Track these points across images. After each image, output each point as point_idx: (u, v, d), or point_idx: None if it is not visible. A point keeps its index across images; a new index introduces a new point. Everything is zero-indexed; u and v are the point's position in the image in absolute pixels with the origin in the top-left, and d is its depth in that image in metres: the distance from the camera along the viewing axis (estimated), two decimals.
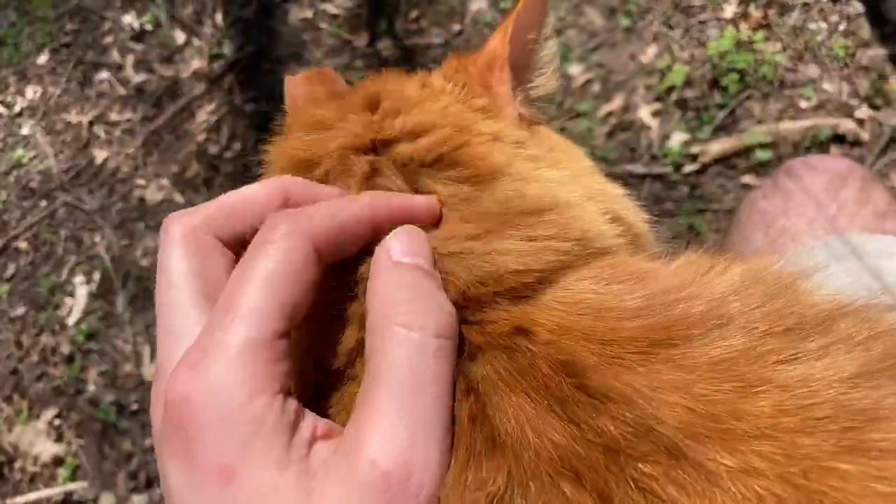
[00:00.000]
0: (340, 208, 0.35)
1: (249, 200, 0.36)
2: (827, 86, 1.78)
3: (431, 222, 0.37)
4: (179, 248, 0.34)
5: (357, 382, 0.33)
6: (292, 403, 0.30)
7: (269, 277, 0.31)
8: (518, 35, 0.48)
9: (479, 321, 0.34)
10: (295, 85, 0.54)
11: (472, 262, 0.35)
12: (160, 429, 0.31)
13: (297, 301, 0.31)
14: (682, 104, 1.86)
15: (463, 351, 0.33)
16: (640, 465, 0.27)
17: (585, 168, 0.48)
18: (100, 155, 2.28)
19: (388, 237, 0.34)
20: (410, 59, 2.11)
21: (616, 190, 0.48)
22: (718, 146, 1.78)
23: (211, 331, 0.30)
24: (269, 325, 0.30)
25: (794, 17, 1.87)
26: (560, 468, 0.28)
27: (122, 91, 2.35)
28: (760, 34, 1.86)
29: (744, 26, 1.88)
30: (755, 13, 1.89)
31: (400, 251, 0.33)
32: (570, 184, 0.43)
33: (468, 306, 0.34)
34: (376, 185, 0.40)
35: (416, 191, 0.39)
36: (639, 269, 0.35)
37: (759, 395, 0.28)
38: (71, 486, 1.87)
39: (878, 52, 1.78)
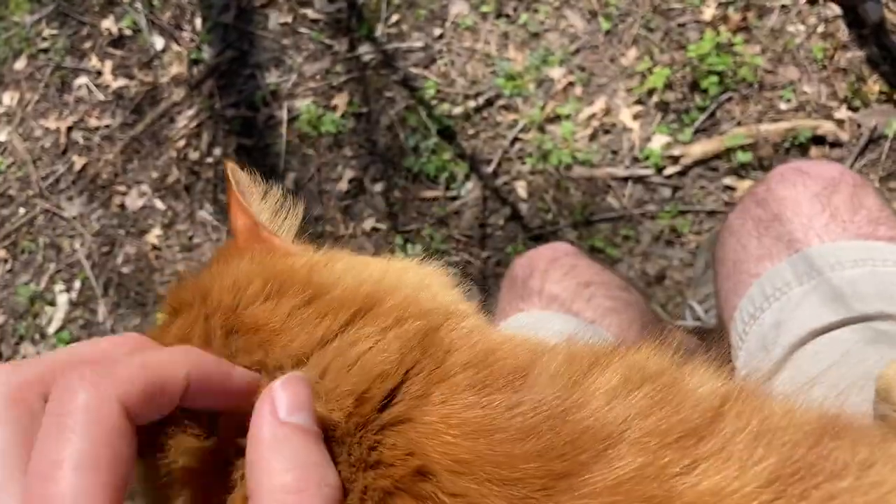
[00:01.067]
0: (150, 358, 0.31)
1: (109, 356, 0.33)
2: (806, 88, 1.79)
3: (247, 400, 0.33)
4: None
5: None
6: None
7: (83, 461, 0.27)
8: (246, 203, 0.50)
9: (376, 462, 0.32)
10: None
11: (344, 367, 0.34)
12: None
13: (119, 480, 0.28)
14: (662, 106, 1.87)
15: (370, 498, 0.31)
16: None
17: (386, 261, 0.48)
18: (79, 161, 2.26)
19: (274, 384, 0.31)
20: (391, 64, 2.11)
21: (426, 268, 0.48)
22: (700, 148, 1.78)
23: None
24: None
25: (772, 20, 1.88)
26: None
27: (101, 97, 2.33)
28: (740, 37, 1.87)
29: (723, 29, 1.89)
30: (734, 16, 1.90)
31: (287, 406, 0.30)
32: (384, 272, 0.44)
33: (354, 436, 0.33)
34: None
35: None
36: (516, 366, 0.34)
37: None
38: None
39: (856, 53, 1.80)
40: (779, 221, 0.65)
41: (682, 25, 1.95)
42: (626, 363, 0.34)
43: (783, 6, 1.89)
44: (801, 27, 1.86)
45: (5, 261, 2.20)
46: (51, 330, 2.08)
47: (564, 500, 0.29)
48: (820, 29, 1.85)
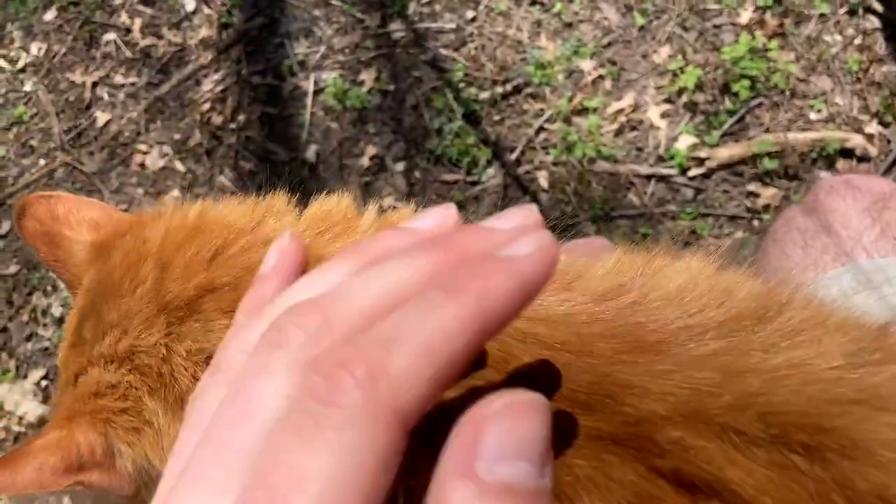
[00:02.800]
0: (439, 341, 0.22)
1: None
2: (838, 99, 1.77)
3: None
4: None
5: None
6: None
7: (334, 485, 0.20)
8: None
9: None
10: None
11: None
12: None
13: None
14: (691, 107, 1.85)
15: None
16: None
17: None
18: (102, 117, 2.26)
19: (482, 408, 0.21)
20: (421, 43, 2.09)
21: None
22: (726, 152, 1.77)
23: None
24: None
25: (810, 28, 1.86)
26: None
27: (128, 54, 2.32)
28: (775, 42, 1.85)
29: (759, 33, 1.88)
30: (771, 21, 1.88)
31: (495, 454, 0.20)
32: None
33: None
34: None
35: None
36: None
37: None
38: None
39: (891, 68, 1.78)
40: (826, 233, 0.65)
41: (717, 27, 1.93)
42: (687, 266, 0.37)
43: (822, 15, 1.87)
44: (839, 37, 1.84)
45: None
46: (62, 283, 2.09)
47: (647, 369, 0.30)
48: (857, 41, 1.83)
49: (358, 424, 0.21)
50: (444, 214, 0.28)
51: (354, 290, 0.24)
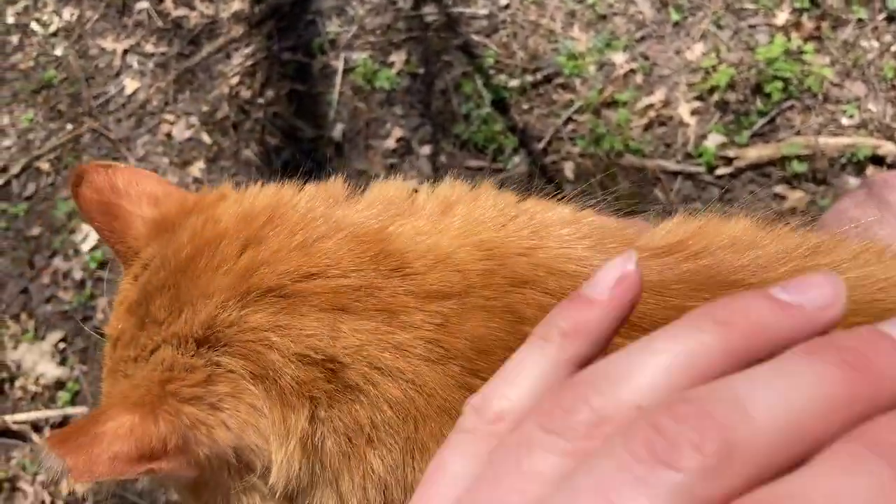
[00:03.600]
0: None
1: None
2: (871, 105, 1.76)
3: None
4: None
5: None
6: None
7: None
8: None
9: None
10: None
11: None
12: None
13: None
14: (722, 106, 1.84)
15: None
16: None
17: None
18: (131, 85, 2.27)
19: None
20: (453, 28, 2.09)
21: None
22: (755, 152, 1.76)
23: None
24: None
25: (846, 33, 1.85)
26: None
27: (159, 23, 2.33)
28: (811, 45, 1.84)
29: (795, 35, 1.86)
30: (808, 23, 1.87)
31: None
32: None
33: None
34: None
35: None
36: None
37: None
38: (70, 409, 1.89)
39: None
40: (879, 224, 0.65)
41: (752, 27, 1.92)
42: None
43: (859, 20, 1.85)
44: (875, 43, 1.83)
45: (48, 174, 2.22)
46: (85, 247, 2.10)
47: None
48: (894, 48, 1.81)
49: None
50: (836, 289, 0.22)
51: (757, 406, 0.19)
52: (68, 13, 2.42)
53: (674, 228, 0.40)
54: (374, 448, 0.40)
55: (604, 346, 0.25)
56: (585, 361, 0.24)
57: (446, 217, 0.45)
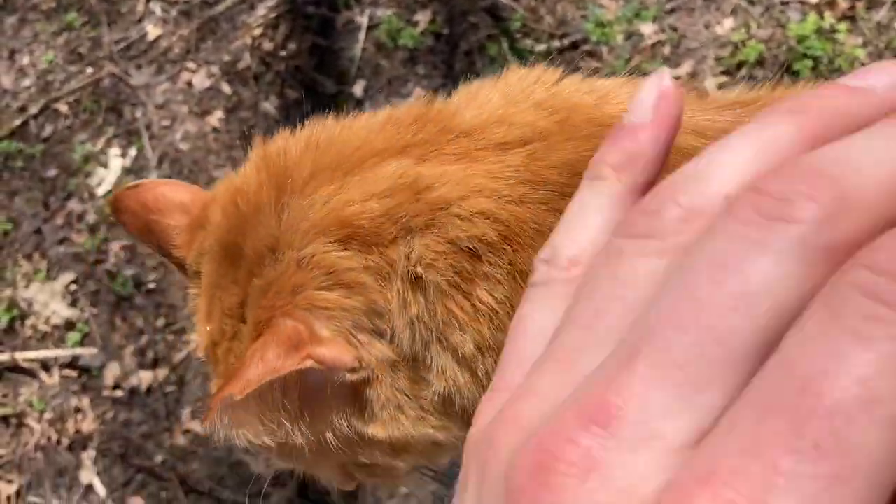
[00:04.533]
0: None
1: None
2: None
3: None
4: None
5: None
6: None
7: None
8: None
9: None
10: None
11: None
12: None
13: None
14: (750, 81, 1.82)
15: None
16: None
17: None
18: (153, 32, 2.25)
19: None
20: None
21: None
22: None
23: None
24: None
25: (881, 14, 1.82)
26: None
27: None
28: (844, 25, 1.81)
29: (828, 14, 1.83)
30: (842, 2, 1.84)
31: None
32: None
33: None
34: None
35: None
36: None
37: None
38: (79, 350, 1.90)
39: None
40: None
41: (785, 3, 1.89)
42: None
43: (895, 2, 1.82)
44: None
45: (66, 116, 2.22)
46: (100, 191, 2.10)
47: None
48: None
49: None
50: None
51: (862, 160, 0.18)
52: None
53: (741, 93, 0.44)
54: (478, 282, 0.40)
55: (659, 169, 0.24)
56: (645, 188, 0.23)
57: (487, 99, 0.47)
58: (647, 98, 0.24)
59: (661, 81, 0.24)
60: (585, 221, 0.24)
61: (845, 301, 0.17)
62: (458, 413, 0.45)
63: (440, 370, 0.43)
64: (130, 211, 0.55)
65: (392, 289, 0.42)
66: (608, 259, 0.21)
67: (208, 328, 0.50)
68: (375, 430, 0.45)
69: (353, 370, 0.43)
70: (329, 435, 0.46)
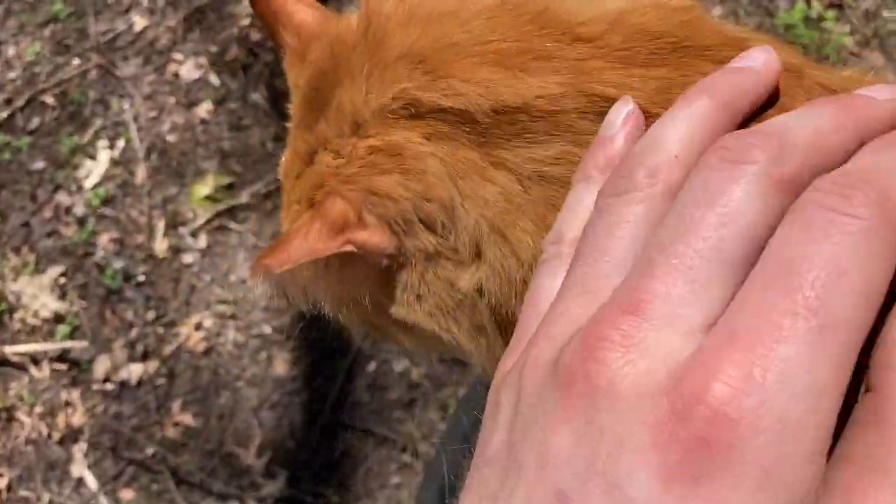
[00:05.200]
0: None
1: None
2: (890, 76, 1.74)
3: None
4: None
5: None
6: None
7: (861, 291, 0.22)
8: None
9: None
10: None
11: None
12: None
13: None
14: None
15: None
16: None
17: None
18: (140, 22, 2.24)
19: None
20: None
21: None
22: None
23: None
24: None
25: (868, 2, 1.83)
26: None
27: None
28: (831, 13, 1.82)
29: (816, 2, 1.84)
30: None
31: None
32: None
33: None
34: None
35: None
36: None
37: None
38: (69, 343, 1.89)
39: None
40: None
41: None
42: None
43: None
44: None
45: (53, 108, 2.20)
46: (88, 184, 2.09)
47: None
48: None
49: (878, 235, 0.22)
50: (766, 56, 0.31)
51: (788, 126, 0.26)
52: None
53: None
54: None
55: None
56: None
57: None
58: (616, 118, 0.32)
59: (626, 106, 0.33)
60: (582, 212, 0.30)
61: (810, 213, 0.23)
62: (473, 323, 0.44)
63: (479, 267, 0.42)
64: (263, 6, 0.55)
65: (472, 182, 0.40)
66: (600, 214, 0.28)
67: (284, 158, 0.51)
68: (389, 306, 0.46)
69: (390, 256, 0.43)
70: (352, 300, 0.47)
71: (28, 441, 1.85)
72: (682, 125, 0.28)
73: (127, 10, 2.27)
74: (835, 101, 0.27)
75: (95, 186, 2.09)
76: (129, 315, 1.93)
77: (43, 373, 1.89)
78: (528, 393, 0.25)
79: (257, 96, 2.09)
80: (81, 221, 2.05)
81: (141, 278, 1.96)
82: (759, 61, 0.30)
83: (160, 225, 2.00)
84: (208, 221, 1.98)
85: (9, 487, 1.82)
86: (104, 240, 2.02)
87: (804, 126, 0.25)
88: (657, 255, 0.24)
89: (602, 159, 0.31)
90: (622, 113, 0.32)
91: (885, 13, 1.81)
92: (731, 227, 0.23)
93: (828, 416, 0.21)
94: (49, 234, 2.05)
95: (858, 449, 0.22)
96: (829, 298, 0.21)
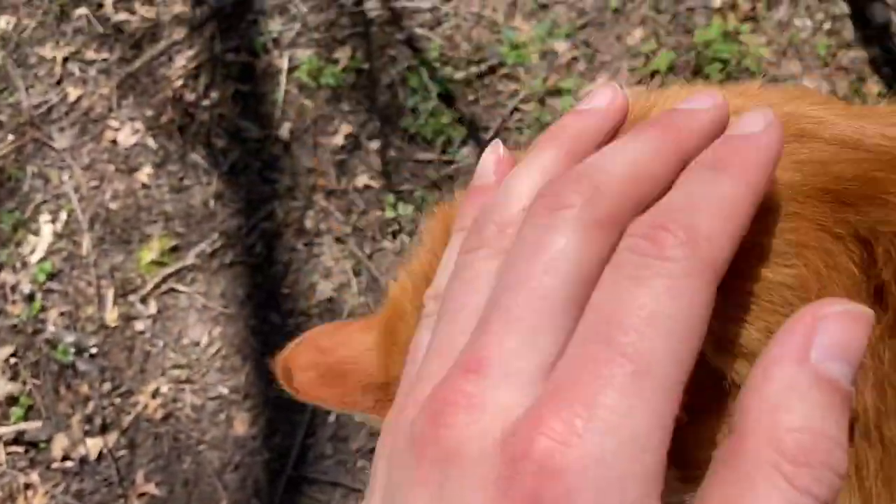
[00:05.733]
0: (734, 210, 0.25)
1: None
2: (807, 82, 1.80)
3: None
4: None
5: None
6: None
7: (675, 331, 0.23)
8: None
9: None
10: None
11: None
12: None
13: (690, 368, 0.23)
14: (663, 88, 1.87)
15: None
16: None
17: None
18: (73, 93, 2.23)
19: (821, 307, 0.23)
20: (397, 22, 2.09)
21: None
22: None
23: (602, 382, 0.22)
24: (675, 402, 0.23)
25: (781, 12, 1.89)
26: None
27: (100, 29, 2.29)
28: (747, 26, 1.87)
29: (731, 17, 1.89)
30: (743, 4, 1.90)
31: (826, 349, 0.22)
32: None
33: None
34: None
35: None
36: None
37: None
38: (24, 425, 1.86)
39: (859, 53, 1.81)
40: None
41: (690, 10, 1.95)
42: None
43: None
44: (809, 22, 1.87)
45: None
46: (33, 259, 2.07)
47: None
48: (826, 26, 1.85)
49: (688, 275, 0.23)
50: (612, 94, 0.31)
51: (604, 163, 0.26)
52: (4, 21, 2.37)
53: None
54: None
55: None
56: None
57: None
58: (488, 164, 0.33)
59: (497, 151, 0.33)
60: (450, 263, 0.31)
61: (623, 260, 0.24)
62: None
63: None
64: (307, 366, 0.45)
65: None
66: (457, 271, 0.29)
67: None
68: None
69: None
70: None
71: None
72: (530, 175, 0.29)
73: (59, 81, 2.26)
74: (655, 125, 0.27)
75: (41, 261, 2.07)
76: (85, 389, 1.91)
77: None
78: (395, 458, 0.25)
79: (196, 156, 2.09)
80: (29, 298, 2.03)
81: (94, 350, 1.94)
82: (604, 100, 0.31)
83: (109, 294, 1.98)
84: (157, 286, 1.97)
85: None
86: (53, 314, 2.00)
87: (621, 160, 0.26)
88: (492, 311, 0.25)
89: (476, 209, 0.31)
90: (491, 161, 0.33)
91: (798, 21, 1.87)
92: (554, 274, 0.24)
93: (654, 458, 0.22)
94: None
95: (715, 492, 0.22)
96: (643, 344, 0.22)
